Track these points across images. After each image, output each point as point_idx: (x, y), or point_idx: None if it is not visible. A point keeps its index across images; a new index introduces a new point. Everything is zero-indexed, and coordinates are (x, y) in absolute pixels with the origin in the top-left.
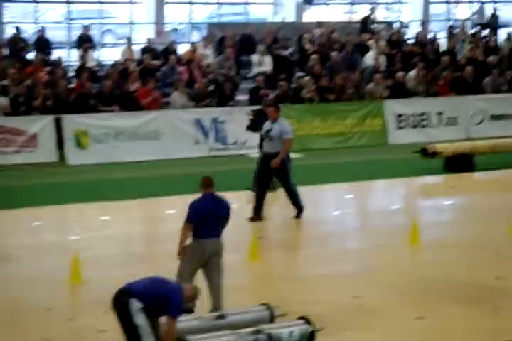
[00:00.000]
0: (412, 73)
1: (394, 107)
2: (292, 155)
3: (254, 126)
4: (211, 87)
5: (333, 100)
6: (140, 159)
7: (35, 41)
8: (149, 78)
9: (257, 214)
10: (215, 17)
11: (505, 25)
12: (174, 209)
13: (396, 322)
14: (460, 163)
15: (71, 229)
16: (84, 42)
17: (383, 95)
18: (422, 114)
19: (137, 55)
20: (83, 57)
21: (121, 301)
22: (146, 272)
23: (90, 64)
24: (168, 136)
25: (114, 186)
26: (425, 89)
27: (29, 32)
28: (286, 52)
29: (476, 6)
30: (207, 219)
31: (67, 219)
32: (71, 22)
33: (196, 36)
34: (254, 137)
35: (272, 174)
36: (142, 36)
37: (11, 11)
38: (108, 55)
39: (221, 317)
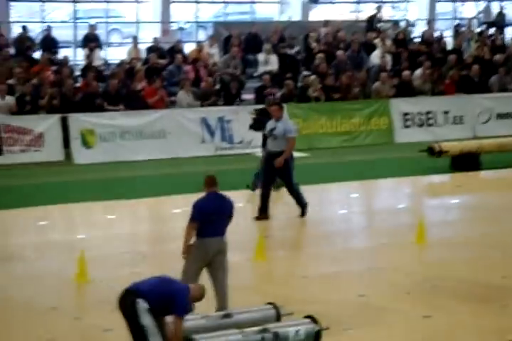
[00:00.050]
0: (418, 72)
1: (400, 106)
2: (298, 154)
3: (257, 125)
4: (217, 86)
5: (339, 99)
6: (146, 158)
7: (42, 40)
8: (155, 77)
9: (263, 213)
10: (221, 16)
11: None
12: (180, 208)
13: (402, 321)
14: (466, 161)
15: (77, 228)
16: (91, 42)
17: (389, 94)
18: (428, 112)
19: (143, 54)
20: (89, 57)
21: (127, 301)
22: (152, 271)
23: (96, 63)
24: (174, 135)
25: (120, 185)
26: (431, 87)
27: (35, 31)
28: (292, 51)
29: (482, 5)
30: (211, 218)
31: (73, 218)
32: (77, 21)
33: (202, 35)
34: (260, 136)
35: (275, 173)
36: (148, 35)
37: (17, 10)
38: (114, 54)
39: (227, 316)
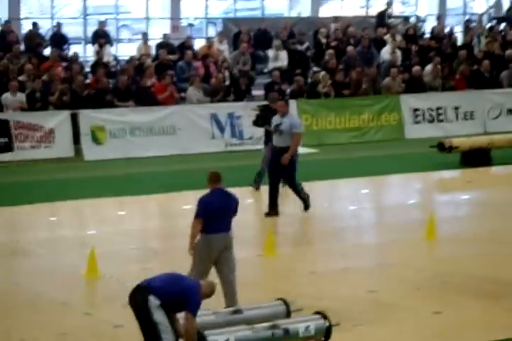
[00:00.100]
0: (429, 67)
1: (410, 102)
2: (308, 150)
3: (260, 121)
4: (227, 82)
5: (349, 95)
6: (156, 154)
7: (52, 37)
8: (165, 73)
9: (273, 210)
10: (230, 12)
11: None
12: (190, 205)
13: (412, 316)
14: (477, 157)
15: (87, 224)
16: (100, 38)
17: (399, 90)
18: (439, 108)
19: (153, 51)
20: (99, 53)
21: (139, 298)
22: (162, 267)
23: (106, 59)
24: (184, 131)
25: (130, 181)
26: (441, 83)
27: (45, 27)
28: (301, 47)
29: (492, 0)
30: (216, 215)
31: (83, 214)
32: (87, 17)
33: (212, 31)
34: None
35: (283, 168)
36: (158, 31)
37: (27, 7)
38: (124, 51)
39: (237, 312)
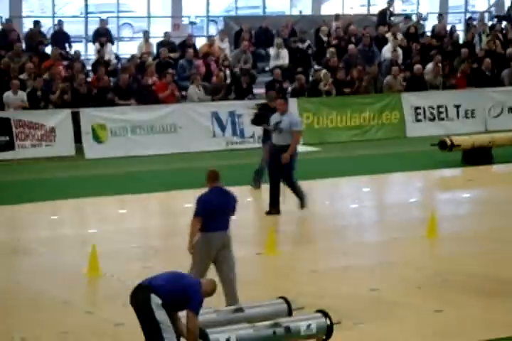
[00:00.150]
0: (430, 66)
1: (411, 100)
2: (309, 149)
3: (258, 119)
4: (228, 81)
5: (350, 93)
6: (157, 152)
7: (53, 35)
8: (166, 72)
9: (274, 208)
10: (232, 10)
11: None
12: (191, 203)
13: (413, 315)
14: (478, 155)
15: (89, 223)
16: (102, 36)
17: (401, 88)
18: (440, 106)
19: (154, 49)
20: (100, 51)
21: (141, 297)
22: (163, 266)
23: (107, 58)
24: (185, 129)
25: (132, 180)
26: (443, 81)
27: (47, 26)
28: (303, 45)
29: None
30: (215, 213)
31: (84, 213)
32: (88, 16)
33: (213, 29)
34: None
35: (282, 167)
36: (159, 30)
37: (28, 5)
38: (125, 49)
39: (239, 310)
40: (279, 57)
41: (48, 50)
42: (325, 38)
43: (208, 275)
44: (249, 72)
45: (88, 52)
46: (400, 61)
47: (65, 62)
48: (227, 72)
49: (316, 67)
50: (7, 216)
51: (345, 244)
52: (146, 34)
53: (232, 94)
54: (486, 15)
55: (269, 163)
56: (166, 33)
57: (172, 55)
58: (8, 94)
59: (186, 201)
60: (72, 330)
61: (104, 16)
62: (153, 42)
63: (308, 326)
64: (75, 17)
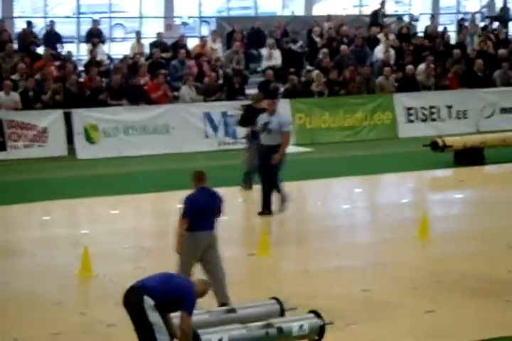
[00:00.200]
0: (422, 66)
1: (404, 101)
2: (301, 149)
3: (244, 120)
4: (220, 81)
5: (343, 94)
6: (149, 153)
7: (45, 35)
8: (159, 72)
9: (266, 209)
10: (224, 11)
11: None
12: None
13: (406, 315)
14: (470, 156)
15: (81, 223)
16: (94, 37)
17: (393, 89)
18: (432, 107)
19: (147, 49)
20: (92, 52)
21: (134, 299)
22: (155, 266)
23: (100, 58)
24: (177, 130)
25: (124, 180)
26: (435, 82)
27: (39, 26)
28: (295, 46)
29: None
30: (202, 213)
31: (76, 214)
32: (80, 16)
33: (205, 30)
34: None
35: (271, 166)
36: (151, 30)
37: (20, 6)
38: (117, 49)
39: (231, 311)
40: (272, 57)
41: (40, 50)
42: (317, 39)
43: (196, 276)
44: (242, 72)
45: (80, 52)
46: (392, 62)
47: (57, 63)
48: (220, 72)
49: (309, 67)
50: None
51: (337, 245)
52: (139, 34)
53: (224, 95)
54: (478, 16)
55: (259, 164)
56: (158, 34)
57: (164, 55)
58: (0, 95)
59: (179, 202)
60: (65, 331)
61: (96, 17)
62: (146, 42)
63: (301, 326)
64: (67, 17)
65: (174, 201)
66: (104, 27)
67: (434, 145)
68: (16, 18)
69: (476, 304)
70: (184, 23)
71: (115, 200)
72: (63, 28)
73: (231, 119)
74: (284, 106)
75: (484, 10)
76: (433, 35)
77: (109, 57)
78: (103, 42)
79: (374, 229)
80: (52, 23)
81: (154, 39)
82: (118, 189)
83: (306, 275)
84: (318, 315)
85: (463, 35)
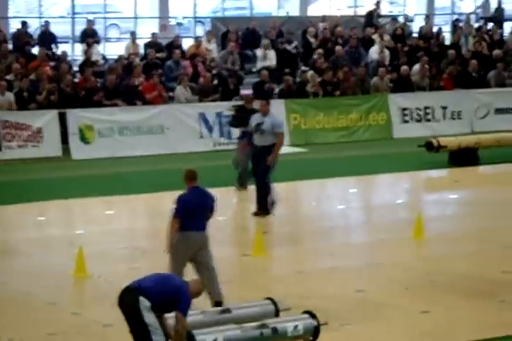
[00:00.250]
0: (417, 67)
1: (398, 101)
2: (296, 150)
3: (236, 121)
4: (215, 82)
5: (337, 94)
6: (144, 153)
7: (40, 36)
8: (153, 72)
9: (261, 209)
10: (219, 11)
11: (510, 19)
12: None
13: (401, 316)
14: (464, 156)
15: (75, 224)
16: (89, 37)
17: (387, 89)
18: (427, 107)
19: (141, 50)
20: (87, 52)
21: (130, 300)
22: (150, 266)
23: (94, 58)
24: (172, 130)
25: (119, 181)
26: (429, 83)
27: (33, 26)
28: (290, 47)
29: (480, 0)
30: (193, 213)
31: (71, 214)
32: (75, 16)
33: (200, 30)
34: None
35: (269, 167)
36: (146, 30)
37: (15, 6)
38: (112, 50)
39: (226, 311)
40: (266, 58)
41: (35, 50)
42: (312, 39)
43: (187, 276)
44: (237, 73)
45: (75, 52)
46: (386, 62)
47: (52, 63)
48: (214, 72)
49: (303, 68)
50: None
51: (332, 245)
52: (133, 35)
53: (219, 95)
54: (473, 16)
55: (252, 165)
56: (153, 34)
57: (159, 55)
58: None
59: (173, 202)
60: (60, 331)
61: (91, 17)
62: (141, 43)
63: (295, 327)
64: (61, 17)
65: (169, 201)
66: (98, 27)
67: (428, 146)
68: (10, 18)
69: (471, 304)
70: (179, 24)
71: (110, 201)
72: (58, 28)
73: (226, 120)
74: (278, 107)
75: (479, 11)
76: (428, 35)
77: (104, 58)
78: (98, 42)
79: (369, 229)
80: (47, 23)
81: (149, 39)
82: (113, 189)
83: (300, 275)
84: (312, 315)
85: (457, 35)
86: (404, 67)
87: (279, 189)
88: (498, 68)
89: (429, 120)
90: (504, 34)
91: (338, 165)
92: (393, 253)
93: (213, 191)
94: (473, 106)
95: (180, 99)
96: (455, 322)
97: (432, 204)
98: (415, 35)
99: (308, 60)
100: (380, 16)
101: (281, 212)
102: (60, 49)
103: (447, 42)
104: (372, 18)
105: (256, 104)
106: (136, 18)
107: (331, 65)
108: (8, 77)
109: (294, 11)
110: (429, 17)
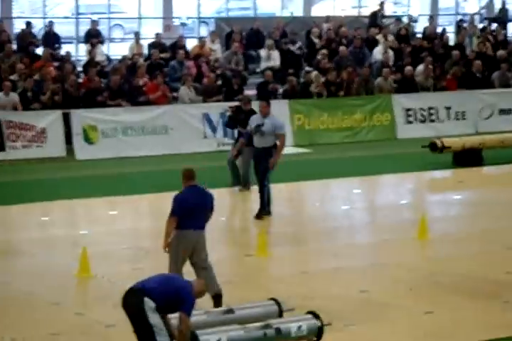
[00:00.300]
0: (421, 67)
1: (402, 102)
2: (300, 150)
3: (232, 122)
4: (219, 82)
5: (341, 95)
6: (148, 154)
7: (44, 36)
8: (157, 73)
9: (264, 210)
10: (223, 11)
11: None
12: None
13: (404, 316)
14: (469, 157)
15: (79, 224)
16: (93, 37)
17: (391, 90)
18: (431, 108)
19: (145, 50)
20: (91, 52)
21: (134, 300)
22: (154, 267)
23: (98, 59)
24: (176, 130)
25: (123, 181)
26: (433, 83)
27: (37, 27)
28: (294, 47)
29: (485, 0)
30: (191, 211)
31: (75, 214)
32: (79, 17)
33: (204, 31)
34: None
35: (268, 168)
36: (150, 31)
37: (19, 6)
38: (116, 50)
39: (229, 311)
40: (270, 58)
41: (39, 51)
42: (316, 40)
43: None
44: (240, 73)
45: (79, 53)
46: (390, 63)
47: (56, 63)
48: (218, 73)
49: (307, 68)
50: None
51: (336, 246)
52: (137, 35)
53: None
54: (477, 17)
55: (254, 166)
56: (157, 34)
57: (163, 56)
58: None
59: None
60: (63, 331)
61: (95, 17)
62: (145, 43)
63: (299, 327)
64: (65, 18)
65: None
66: (103, 27)
67: (432, 147)
68: (14, 18)
69: (475, 305)
70: (183, 24)
71: (114, 201)
72: (62, 29)
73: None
74: (282, 107)
75: (483, 11)
76: (432, 36)
77: (108, 58)
78: (102, 42)
79: (373, 229)
80: (51, 23)
81: (153, 40)
82: (117, 189)
83: (304, 276)
84: (316, 315)
85: (462, 36)
86: (408, 68)
87: (283, 189)
88: (503, 69)
89: (433, 120)
90: (508, 34)
91: (342, 165)
92: (397, 253)
93: (217, 191)
94: (477, 106)
95: (184, 100)
96: (459, 323)
97: (436, 204)
98: (419, 35)
99: (312, 60)
100: (384, 17)
101: (285, 213)
102: (64, 49)
103: (451, 42)
104: (376, 18)
105: (255, 105)
106: (140, 18)
107: (335, 65)
108: (12, 77)
109: (298, 12)
110: (433, 17)
